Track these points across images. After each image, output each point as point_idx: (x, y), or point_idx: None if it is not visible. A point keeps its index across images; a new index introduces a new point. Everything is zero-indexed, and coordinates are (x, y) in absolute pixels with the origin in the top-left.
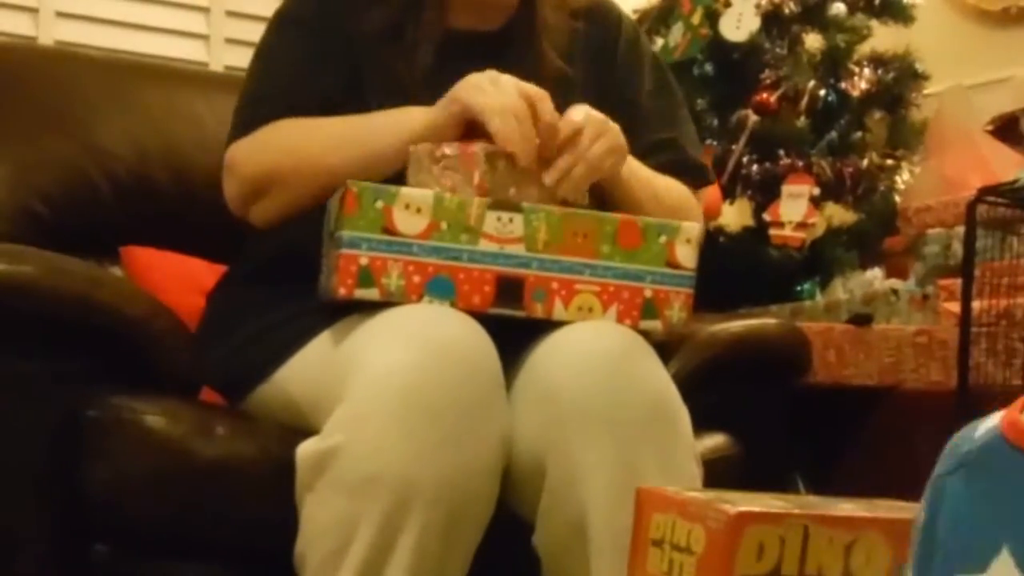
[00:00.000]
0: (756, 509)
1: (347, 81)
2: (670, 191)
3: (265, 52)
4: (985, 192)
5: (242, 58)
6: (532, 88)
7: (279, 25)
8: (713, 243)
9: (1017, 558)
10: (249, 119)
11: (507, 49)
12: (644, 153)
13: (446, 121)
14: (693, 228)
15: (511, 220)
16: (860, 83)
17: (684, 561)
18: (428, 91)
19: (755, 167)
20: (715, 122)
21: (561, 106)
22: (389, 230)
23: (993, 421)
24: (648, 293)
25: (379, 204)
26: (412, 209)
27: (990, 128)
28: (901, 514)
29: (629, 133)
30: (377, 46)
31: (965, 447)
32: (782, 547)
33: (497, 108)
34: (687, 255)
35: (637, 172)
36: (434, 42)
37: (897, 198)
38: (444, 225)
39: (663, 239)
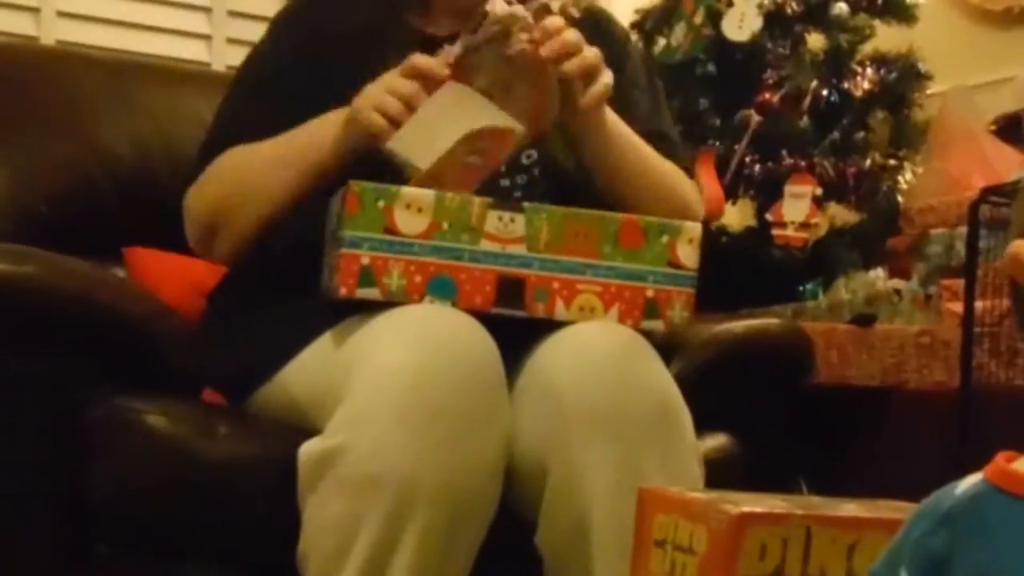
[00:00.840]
0: (758, 510)
1: (325, 96)
2: (663, 162)
3: (230, 87)
4: (988, 192)
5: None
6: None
7: (249, 55)
8: (715, 243)
9: None
10: (202, 160)
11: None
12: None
13: (352, 138)
14: (695, 228)
15: (512, 220)
16: (863, 83)
17: (686, 562)
18: None
19: (757, 167)
20: (717, 122)
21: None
22: (390, 230)
23: (974, 478)
24: (650, 293)
25: (380, 204)
26: (413, 209)
27: (993, 128)
28: (904, 515)
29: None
30: (355, 53)
31: (947, 503)
32: (785, 548)
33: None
34: (689, 255)
35: (624, 131)
36: (412, 46)
37: (900, 198)
38: (445, 225)
39: (665, 239)
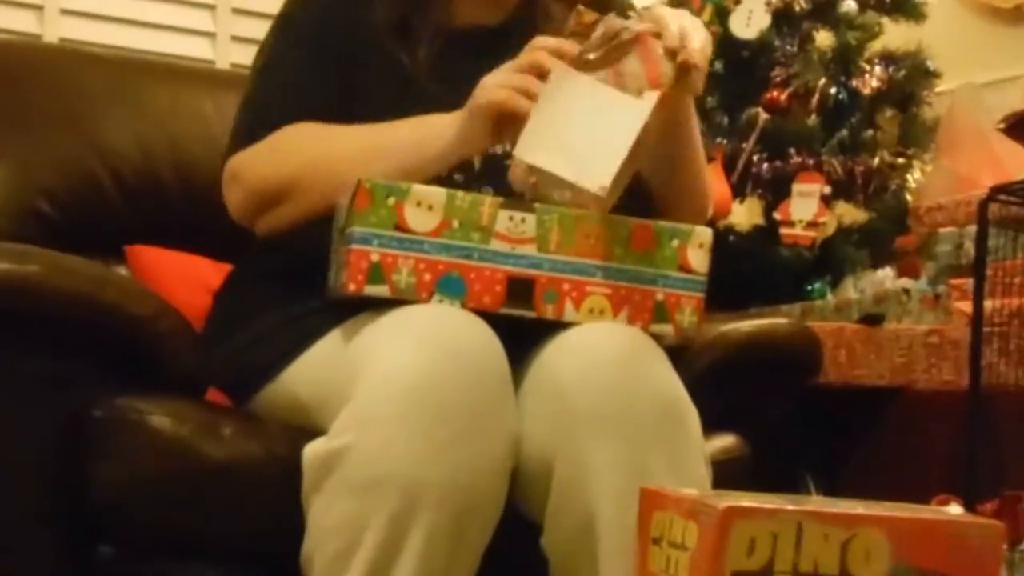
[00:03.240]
0: (745, 504)
1: (351, 81)
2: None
3: (267, 58)
4: (997, 191)
5: (248, 56)
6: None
7: (280, 29)
8: (723, 242)
9: None
10: (254, 127)
11: (508, 43)
12: None
13: (474, 126)
14: (706, 232)
15: (523, 220)
16: (871, 81)
17: (679, 558)
18: (431, 86)
19: (765, 165)
20: (725, 120)
21: None
22: (400, 227)
23: None
24: (659, 297)
25: (391, 201)
26: (424, 206)
27: (1002, 126)
28: (902, 512)
29: None
30: (381, 41)
31: None
32: (775, 543)
33: (494, 84)
34: (699, 259)
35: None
36: (437, 37)
37: (908, 197)
38: (456, 223)
39: (676, 243)
